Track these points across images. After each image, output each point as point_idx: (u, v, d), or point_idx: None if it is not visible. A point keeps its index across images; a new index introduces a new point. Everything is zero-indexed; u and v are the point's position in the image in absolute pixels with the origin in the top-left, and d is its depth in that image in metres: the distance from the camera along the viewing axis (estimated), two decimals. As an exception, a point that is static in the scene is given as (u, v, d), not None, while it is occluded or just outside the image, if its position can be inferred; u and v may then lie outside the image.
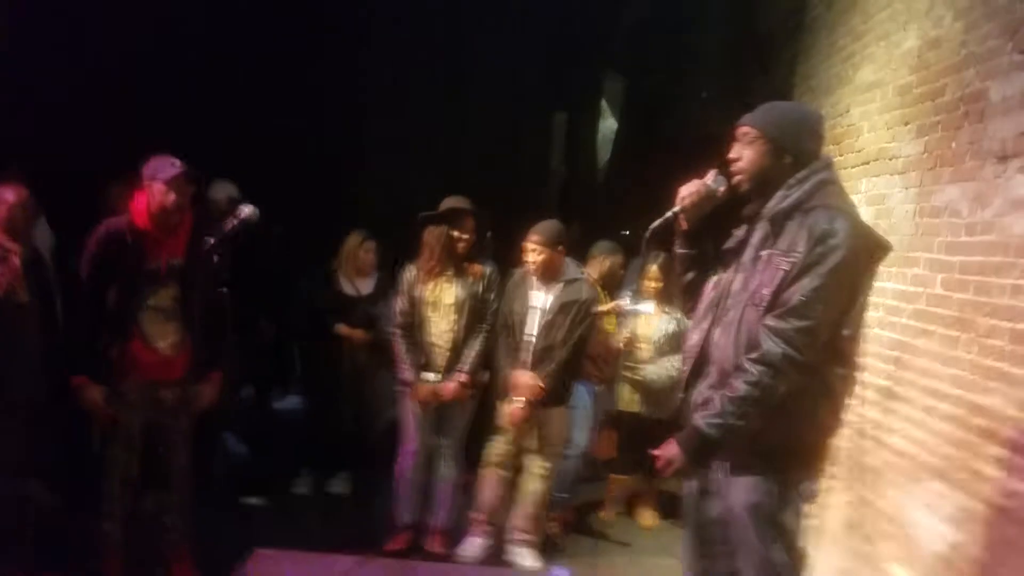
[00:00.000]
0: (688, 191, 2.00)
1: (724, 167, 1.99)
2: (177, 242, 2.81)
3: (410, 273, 3.40)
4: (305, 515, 3.89)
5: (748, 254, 1.92)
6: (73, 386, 2.73)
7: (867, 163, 3.30)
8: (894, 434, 2.79)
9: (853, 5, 3.62)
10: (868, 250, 1.80)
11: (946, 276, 2.57)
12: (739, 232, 2.01)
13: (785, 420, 1.81)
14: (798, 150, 1.89)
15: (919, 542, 2.51)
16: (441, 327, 3.34)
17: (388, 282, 4.05)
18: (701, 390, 1.98)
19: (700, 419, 1.87)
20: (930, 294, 2.65)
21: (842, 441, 2.92)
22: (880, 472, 2.84)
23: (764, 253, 1.85)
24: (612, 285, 3.87)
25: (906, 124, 3.00)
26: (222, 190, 4.10)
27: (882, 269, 2.01)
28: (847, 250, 1.73)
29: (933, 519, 2.45)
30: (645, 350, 3.85)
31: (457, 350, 3.33)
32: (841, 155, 3.58)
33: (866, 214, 2.93)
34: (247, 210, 2.79)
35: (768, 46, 4.75)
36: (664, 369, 3.83)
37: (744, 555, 1.92)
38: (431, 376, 3.36)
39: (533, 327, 3.26)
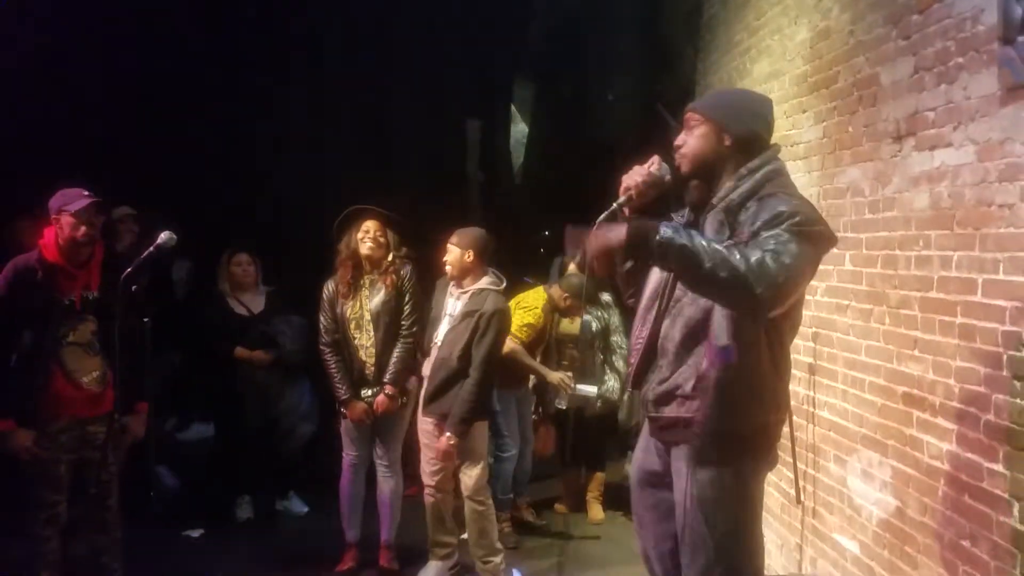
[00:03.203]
0: (633, 180, 1.90)
1: (667, 156, 1.98)
2: (90, 274, 2.75)
3: (329, 289, 3.38)
4: (252, 540, 3.83)
5: None
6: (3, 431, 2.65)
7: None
8: (823, 407, 2.92)
9: (747, 2, 3.79)
10: (824, 238, 1.80)
11: (854, 253, 2.71)
12: (679, 218, 1.96)
13: (741, 405, 1.82)
14: (741, 134, 1.86)
15: (862, 512, 2.62)
16: (364, 342, 3.35)
17: (280, 296, 4.09)
18: (652, 386, 1.93)
19: (662, 225, 1.75)
20: (840, 271, 2.80)
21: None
22: (816, 446, 2.96)
23: (728, 244, 1.77)
24: (564, 313, 4.00)
25: (804, 112, 3.16)
26: (115, 211, 4.03)
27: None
28: (805, 226, 1.72)
29: (872, 488, 2.56)
30: (572, 354, 4.02)
31: (380, 363, 3.34)
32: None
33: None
34: (163, 236, 2.69)
35: (670, 46, 4.92)
36: (593, 389, 3.99)
37: (695, 544, 1.88)
38: (365, 392, 3.35)
39: (441, 334, 3.25)
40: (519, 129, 6.46)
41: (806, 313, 3.01)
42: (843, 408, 2.78)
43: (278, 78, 5.20)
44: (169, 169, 4.76)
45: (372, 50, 5.45)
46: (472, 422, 3.16)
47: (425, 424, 3.27)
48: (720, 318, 1.82)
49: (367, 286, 3.34)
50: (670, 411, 1.90)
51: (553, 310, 3.96)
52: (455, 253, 3.20)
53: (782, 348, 1.88)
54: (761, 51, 3.64)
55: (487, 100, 6.06)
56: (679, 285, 1.89)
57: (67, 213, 2.66)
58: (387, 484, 3.44)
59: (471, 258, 3.19)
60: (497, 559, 3.28)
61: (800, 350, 3.02)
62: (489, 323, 3.13)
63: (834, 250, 2.78)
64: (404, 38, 5.55)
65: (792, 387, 3.07)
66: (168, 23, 4.76)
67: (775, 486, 3.31)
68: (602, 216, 1.90)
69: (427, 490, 3.30)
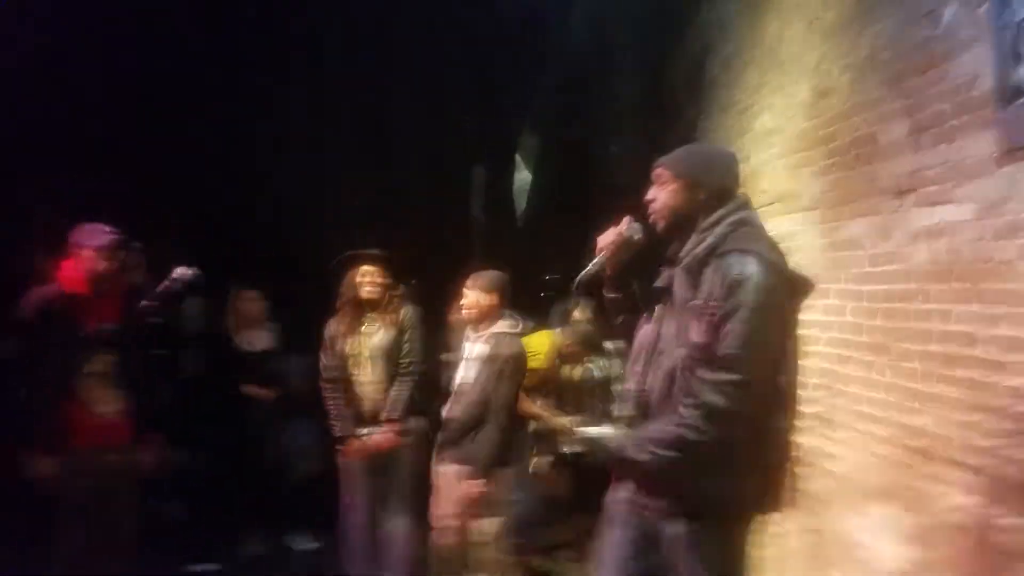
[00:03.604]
0: (606, 241, 2.04)
1: (640, 214, 2.04)
2: (111, 306, 2.82)
3: (332, 327, 3.41)
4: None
5: (678, 300, 1.92)
6: (26, 458, 2.69)
7: (772, 203, 3.54)
8: (833, 460, 2.92)
9: (749, 63, 3.92)
10: (785, 290, 1.81)
11: (855, 305, 2.76)
12: (667, 271, 2.04)
13: (730, 470, 1.83)
14: (711, 187, 1.91)
15: (873, 566, 2.60)
16: (363, 379, 3.36)
17: (284, 334, 4.11)
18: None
19: (627, 437, 1.92)
20: (843, 322, 2.84)
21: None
22: (826, 499, 2.95)
23: (691, 304, 1.85)
24: (566, 359, 4.02)
25: (806, 166, 3.24)
26: None
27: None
28: (761, 293, 1.73)
29: (883, 541, 2.55)
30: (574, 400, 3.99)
31: (381, 401, 3.35)
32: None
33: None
34: (180, 269, 2.76)
35: (673, 103, 5.06)
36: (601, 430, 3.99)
37: None
38: (364, 430, 3.34)
39: (459, 377, 3.24)
40: (522, 176, 6.60)
41: (811, 364, 3.04)
42: (853, 460, 2.78)
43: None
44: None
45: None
46: (493, 467, 3.11)
47: (441, 468, 3.23)
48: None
49: (368, 323, 3.38)
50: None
51: (557, 355, 3.98)
52: (472, 297, 3.18)
53: (777, 411, 1.88)
54: (762, 108, 3.75)
55: (492, 147, 6.16)
56: (662, 338, 1.95)
57: (89, 248, 2.76)
58: (396, 524, 3.40)
59: (488, 301, 3.17)
60: None
61: (806, 400, 3.04)
62: (506, 366, 3.11)
63: (835, 301, 2.87)
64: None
65: (798, 438, 3.09)
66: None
67: (780, 538, 3.28)
68: (580, 275, 2.07)
69: (435, 533, 3.25)
